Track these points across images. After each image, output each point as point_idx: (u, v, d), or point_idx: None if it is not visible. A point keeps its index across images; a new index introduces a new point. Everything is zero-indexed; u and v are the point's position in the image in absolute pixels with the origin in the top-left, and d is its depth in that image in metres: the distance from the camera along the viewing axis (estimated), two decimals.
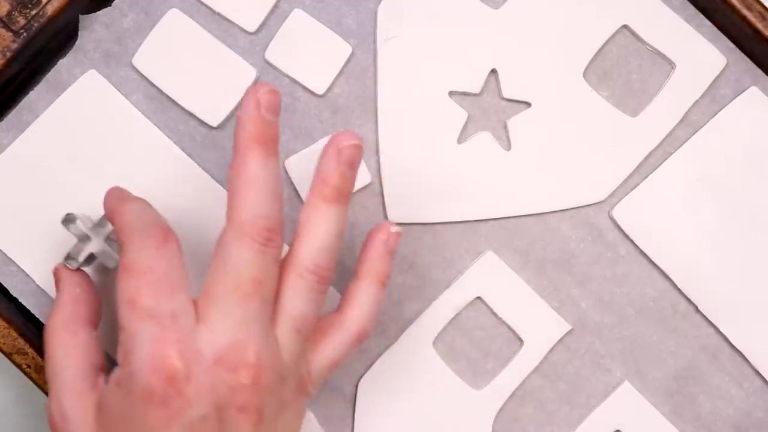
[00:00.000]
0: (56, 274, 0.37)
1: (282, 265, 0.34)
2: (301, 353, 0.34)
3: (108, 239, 0.37)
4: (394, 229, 0.36)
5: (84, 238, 0.37)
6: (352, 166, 0.34)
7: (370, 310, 0.36)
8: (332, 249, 0.34)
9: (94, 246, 0.37)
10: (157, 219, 0.34)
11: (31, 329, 0.40)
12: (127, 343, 0.32)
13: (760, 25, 0.40)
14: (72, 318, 0.36)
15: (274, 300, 0.33)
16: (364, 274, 0.36)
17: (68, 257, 0.37)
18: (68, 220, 0.37)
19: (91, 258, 0.37)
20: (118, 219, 0.35)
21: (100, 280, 0.39)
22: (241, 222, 0.32)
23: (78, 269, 0.37)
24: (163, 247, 0.33)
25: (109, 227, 0.37)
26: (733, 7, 0.40)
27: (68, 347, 0.35)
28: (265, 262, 0.32)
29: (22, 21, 0.40)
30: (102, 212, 0.36)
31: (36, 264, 0.40)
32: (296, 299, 0.33)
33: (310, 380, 0.35)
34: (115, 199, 0.36)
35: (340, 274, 0.38)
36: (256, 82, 0.41)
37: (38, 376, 0.39)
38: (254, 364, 0.32)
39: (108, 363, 0.36)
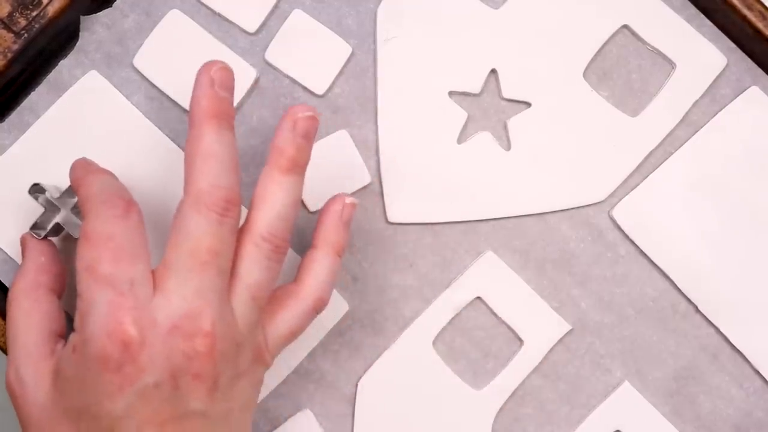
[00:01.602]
0: (22, 242, 0.37)
1: (238, 235, 0.34)
2: (257, 322, 0.34)
3: (74, 210, 0.38)
4: (349, 200, 0.37)
5: (51, 208, 0.38)
6: (308, 138, 0.35)
7: (325, 279, 0.36)
8: (287, 218, 0.34)
9: (60, 216, 0.37)
10: (121, 190, 0.34)
11: None
12: (84, 309, 0.32)
13: (760, 25, 0.40)
14: (35, 285, 0.36)
15: (231, 269, 0.34)
16: (319, 245, 0.37)
17: (35, 226, 0.38)
18: (36, 190, 0.38)
19: (58, 228, 0.38)
20: (83, 189, 0.35)
21: (66, 250, 0.39)
22: (198, 192, 0.33)
23: (45, 238, 0.37)
24: (125, 217, 0.33)
25: (76, 198, 0.37)
26: (733, 7, 0.40)
27: (29, 314, 0.35)
28: (222, 232, 0.33)
29: (23, 22, 0.40)
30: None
31: None
32: (252, 267, 0.34)
33: (267, 350, 0.35)
34: (81, 170, 0.36)
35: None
36: (256, 82, 0.41)
37: None
38: (209, 332, 0.32)
39: (70, 331, 0.36)
